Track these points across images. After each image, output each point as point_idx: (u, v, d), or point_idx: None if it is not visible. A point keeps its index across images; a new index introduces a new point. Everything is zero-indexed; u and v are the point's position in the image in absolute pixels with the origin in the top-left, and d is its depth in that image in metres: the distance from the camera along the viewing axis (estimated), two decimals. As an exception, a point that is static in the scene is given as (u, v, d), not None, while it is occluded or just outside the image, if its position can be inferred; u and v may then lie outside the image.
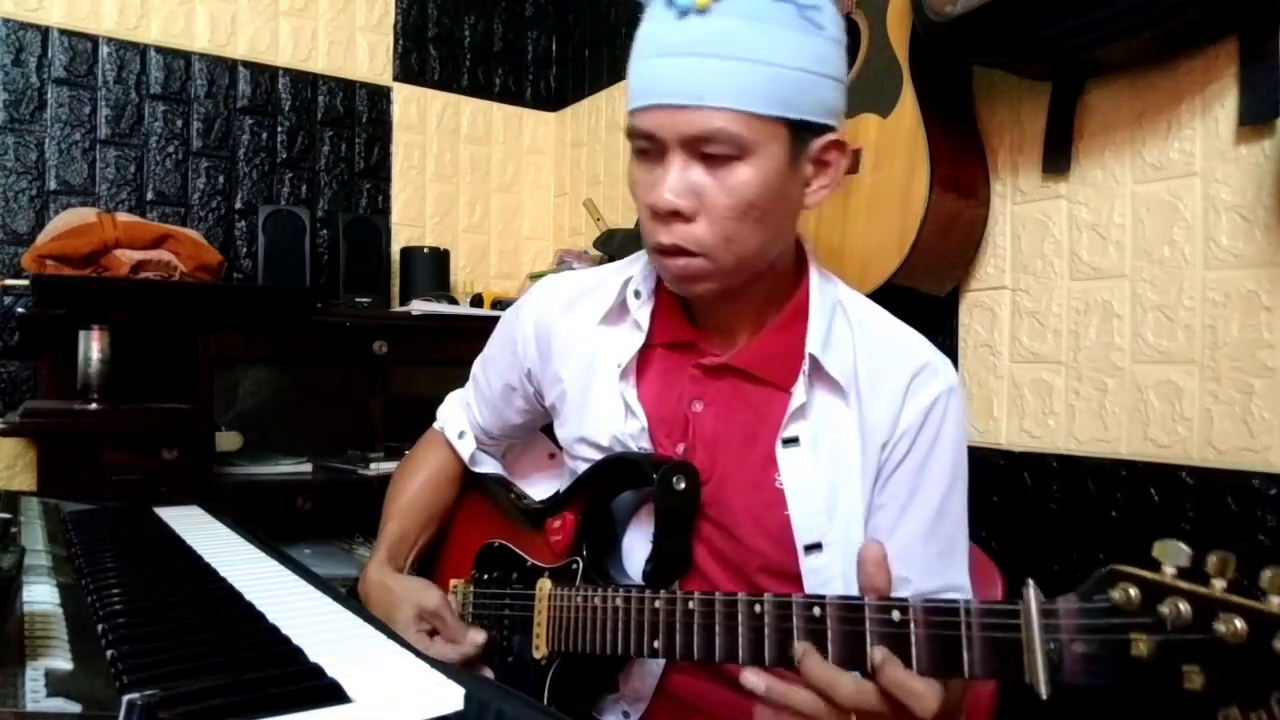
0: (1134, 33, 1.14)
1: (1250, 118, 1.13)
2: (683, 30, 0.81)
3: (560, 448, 1.07)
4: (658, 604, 0.81)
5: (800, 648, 0.69)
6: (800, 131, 0.83)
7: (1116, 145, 1.29)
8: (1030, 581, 0.60)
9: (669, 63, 0.81)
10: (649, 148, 0.85)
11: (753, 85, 0.79)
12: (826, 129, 0.86)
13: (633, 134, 0.86)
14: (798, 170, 0.85)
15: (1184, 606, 0.52)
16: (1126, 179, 1.28)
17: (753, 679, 0.70)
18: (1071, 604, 0.58)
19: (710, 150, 0.81)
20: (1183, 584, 0.53)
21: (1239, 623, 0.50)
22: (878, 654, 0.65)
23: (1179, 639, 0.52)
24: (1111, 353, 1.29)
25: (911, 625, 0.65)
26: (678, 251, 0.85)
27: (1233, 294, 1.16)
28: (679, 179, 0.82)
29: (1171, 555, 0.54)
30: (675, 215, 0.83)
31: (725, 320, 0.95)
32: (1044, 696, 0.57)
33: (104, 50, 2.02)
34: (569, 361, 1.02)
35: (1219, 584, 0.52)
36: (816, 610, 0.69)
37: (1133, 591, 0.54)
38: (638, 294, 0.97)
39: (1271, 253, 1.13)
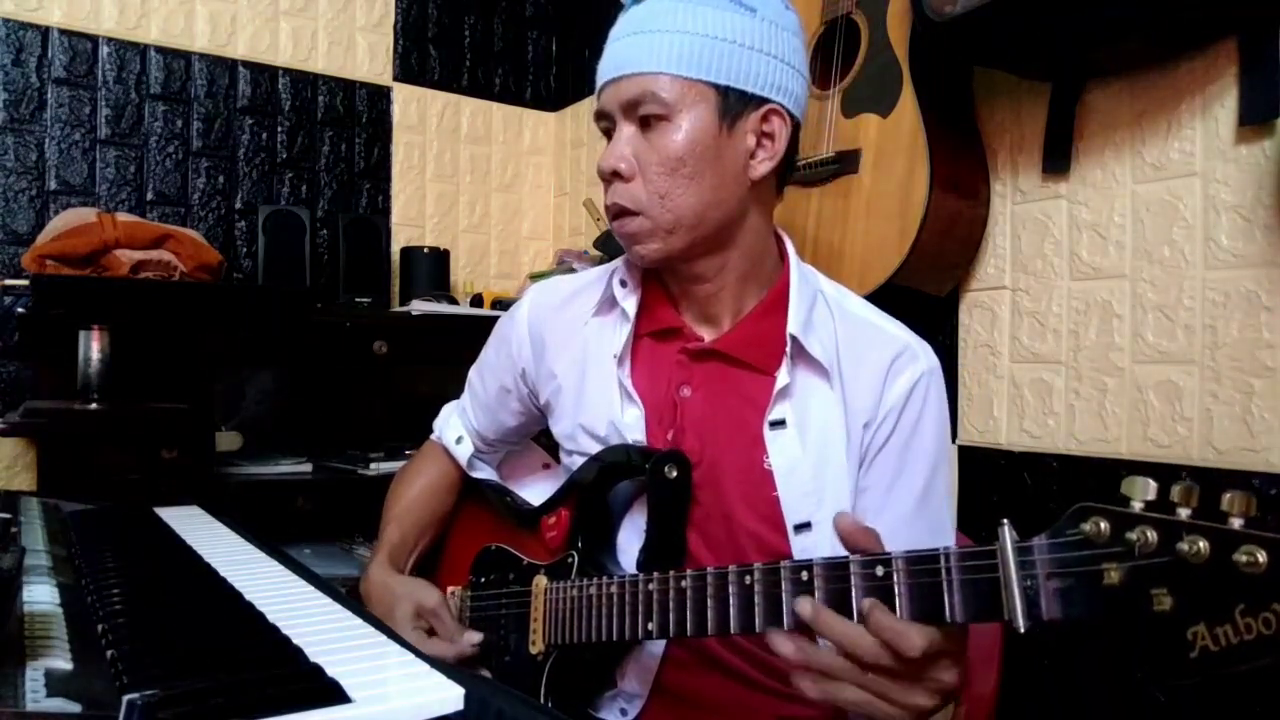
0: (1134, 33, 1.15)
1: (1250, 118, 1.13)
2: (626, 18, 0.93)
3: (554, 458, 1.07)
4: (651, 586, 0.82)
5: (808, 606, 0.69)
6: (731, 98, 0.89)
7: (1116, 145, 1.29)
8: (1006, 521, 0.62)
9: (613, 46, 0.93)
10: (608, 127, 0.93)
11: (676, 51, 0.87)
12: (766, 101, 0.90)
13: (596, 119, 0.95)
14: (734, 138, 0.90)
15: (1151, 534, 0.55)
16: (1126, 179, 1.28)
17: (781, 642, 0.70)
18: (1045, 541, 0.60)
19: (644, 112, 0.89)
20: (1149, 513, 0.56)
21: (1202, 543, 0.53)
22: (865, 603, 0.67)
23: (1147, 563, 0.55)
24: (1111, 353, 1.29)
25: (895, 577, 0.67)
26: (621, 211, 0.91)
27: (1233, 294, 1.16)
28: (622, 145, 0.90)
29: (1139, 490, 0.57)
30: (616, 176, 0.91)
31: (707, 307, 0.97)
32: (1022, 630, 0.60)
33: (104, 50, 2.02)
34: (563, 357, 1.03)
35: (1184, 512, 0.55)
36: (804, 574, 0.71)
37: (1103, 524, 0.57)
38: (623, 283, 1.00)
39: (1271, 253, 1.13)
